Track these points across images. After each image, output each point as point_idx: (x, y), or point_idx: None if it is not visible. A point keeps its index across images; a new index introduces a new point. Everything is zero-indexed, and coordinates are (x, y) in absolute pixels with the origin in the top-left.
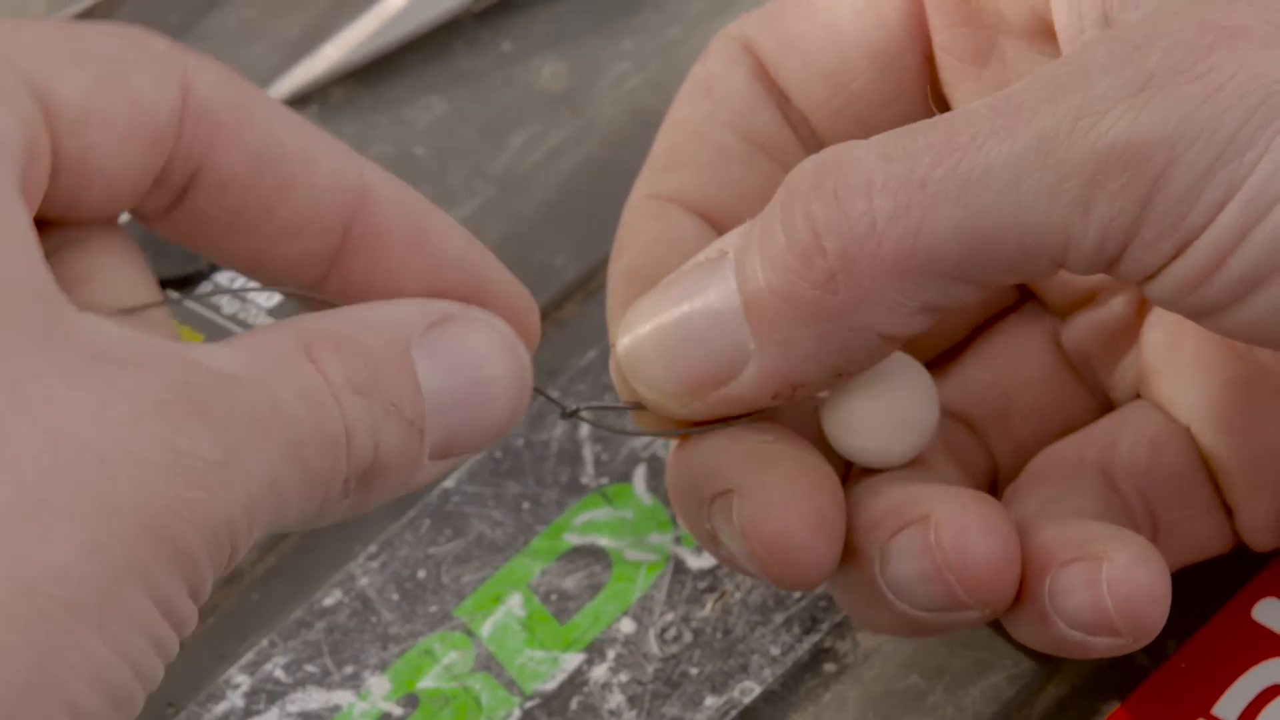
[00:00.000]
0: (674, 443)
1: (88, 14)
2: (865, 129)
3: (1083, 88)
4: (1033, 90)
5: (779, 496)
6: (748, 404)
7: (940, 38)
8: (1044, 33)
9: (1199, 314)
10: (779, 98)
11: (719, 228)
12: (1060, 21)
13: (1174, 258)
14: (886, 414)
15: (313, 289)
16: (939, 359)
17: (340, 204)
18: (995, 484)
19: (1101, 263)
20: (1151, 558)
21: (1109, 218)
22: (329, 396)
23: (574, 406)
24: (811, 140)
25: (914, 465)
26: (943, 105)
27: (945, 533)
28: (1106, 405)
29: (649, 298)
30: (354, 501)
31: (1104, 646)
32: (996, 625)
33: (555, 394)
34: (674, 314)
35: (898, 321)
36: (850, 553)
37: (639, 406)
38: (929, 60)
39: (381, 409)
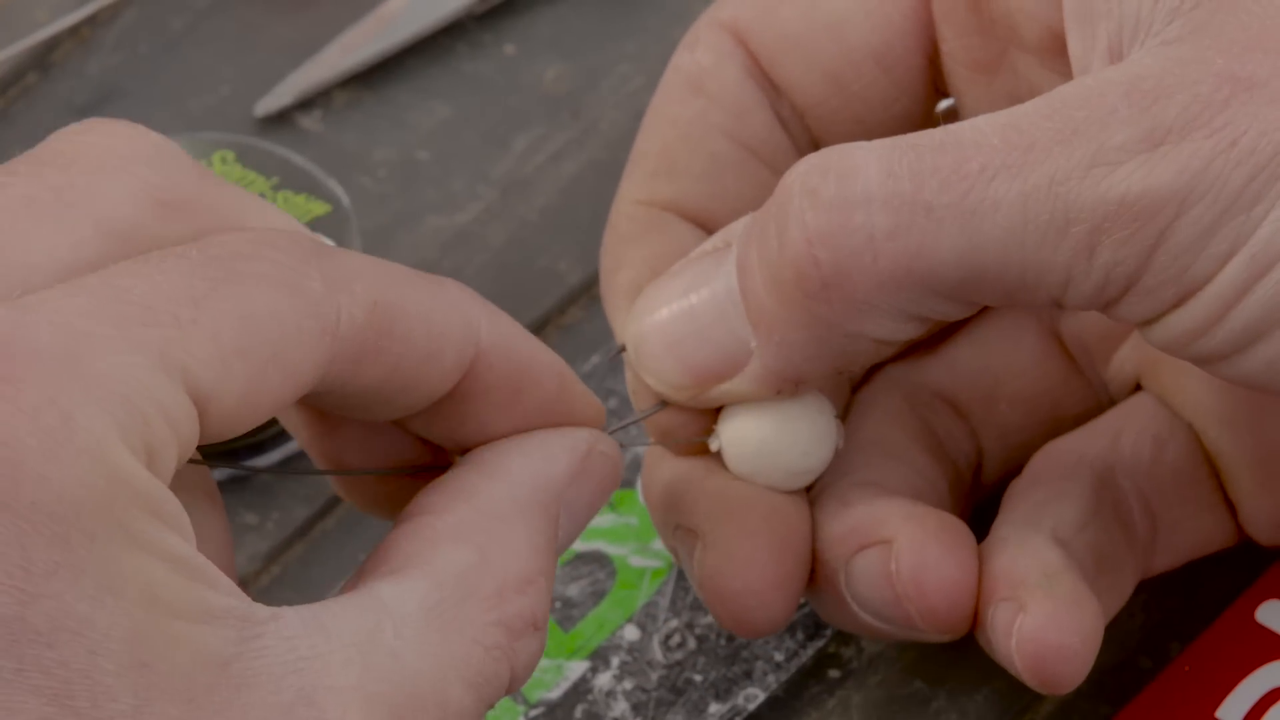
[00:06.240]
0: (655, 451)
1: (90, 20)
2: (863, 128)
3: (1099, 136)
4: (1046, 127)
5: (741, 553)
6: (751, 397)
7: (949, 46)
8: (1057, 51)
9: (1198, 360)
10: (771, 94)
11: None
12: (1074, 48)
13: (1174, 307)
14: (774, 452)
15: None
16: (931, 338)
17: (455, 378)
18: (980, 467)
19: (1099, 303)
20: (1069, 616)
21: (1112, 264)
22: (505, 661)
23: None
24: (803, 137)
25: (889, 457)
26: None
27: (905, 562)
28: (1099, 394)
29: (656, 288)
30: None
31: (1032, 684)
32: None
33: None
34: (680, 306)
35: (890, 328)
36: (818, 561)
37: (663, 405)
38: (931, 63)
39: (540, 638)
